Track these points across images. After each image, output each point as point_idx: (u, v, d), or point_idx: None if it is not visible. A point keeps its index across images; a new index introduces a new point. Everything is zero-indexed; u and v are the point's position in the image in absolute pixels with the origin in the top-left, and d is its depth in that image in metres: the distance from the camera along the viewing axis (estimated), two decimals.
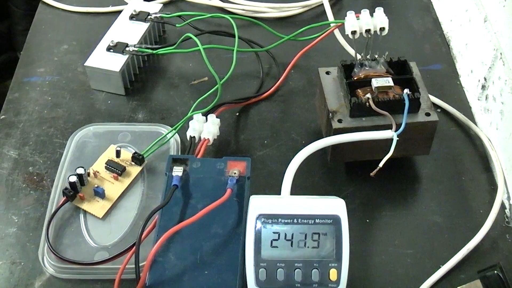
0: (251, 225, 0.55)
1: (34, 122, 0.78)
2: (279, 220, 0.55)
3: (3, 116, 0.79)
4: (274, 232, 0.55)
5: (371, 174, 0.63)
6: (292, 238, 0.55)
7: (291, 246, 0.55)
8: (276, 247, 0.55)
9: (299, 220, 0.55)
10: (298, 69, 0.85)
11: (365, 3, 0.95)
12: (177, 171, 0.62)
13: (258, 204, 0.56)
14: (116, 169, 0.69)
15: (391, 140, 0.64)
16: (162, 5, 0.90)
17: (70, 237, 0.65)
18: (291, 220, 0.55)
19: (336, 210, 0.55)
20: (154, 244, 0.57)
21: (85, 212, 0.67)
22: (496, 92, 0.73)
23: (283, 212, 0.55)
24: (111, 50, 0.81)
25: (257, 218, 0.55)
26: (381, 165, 0.63)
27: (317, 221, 0.55)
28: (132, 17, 0.86)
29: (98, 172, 0.69)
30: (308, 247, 0.55)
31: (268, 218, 0.55)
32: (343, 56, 0.75)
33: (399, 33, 0.90)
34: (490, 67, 0.75)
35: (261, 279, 0.54)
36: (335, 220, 0.55)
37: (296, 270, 0.55)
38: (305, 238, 0.55)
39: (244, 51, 0.86)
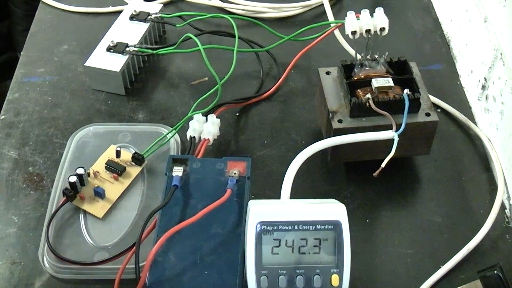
0: (252, 232, 0.54)
1: (34, 122, 0.78)
2: (280, 226, 0.55)
3: (3, 116, 0.79)
4: (274, 239, 0.54)
5: (374, 174, 0.63)
6: (293, 244, 0.55)
7: (292, 252, 0.55)
8: (277, 253, 0.55)
9: (300, 226, 0.55)
10: (298, 69, 0.85)
11: (365, 3, 0.95)
12: (177, 171, 0.62)
13: (258, 211, 0.55)
14: (116, 169, 0.69)
15: (391, 140, 0.64)
16: (162, 5, 0.90)
17: (70, 237, 0.65)
18: (292, 226, 0.55)
19: (337, 215, 0.55)
20: (154, 244, 0.56)
21: (85, 212, 0.67)
22: (496, 92, 0.73)
23: (283, 218, 0.55)
24: (111, 50, 0.81)
25: (257, 225, 0.54)
26: (383, 165, 0.63)
27: (318, 226, 0.55)
28: (132, 17, 0.86)
29: (98, 172, 0.69)
30: (309, 253, 0.55)
31: (269, 225, 0.54)
32: (343, 56, 0.75)
33: (399, 33, 0.90)
34: (490, 67, 0.75)
35: (262, 286, 0.54)
36: (336, 225, 0.55)
37: (298, 277, 0.54)
38: (306, 244, 0.55)
39: (244, 51, 0.86)
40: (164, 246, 0.57)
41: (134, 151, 0.71)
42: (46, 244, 0.63)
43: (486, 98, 0.76)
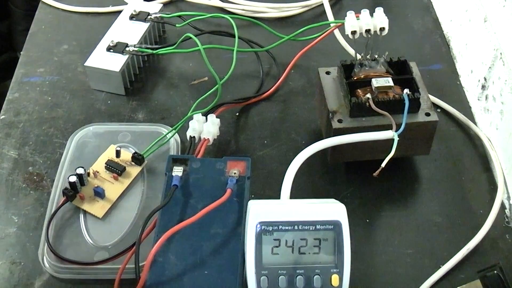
0: (251, 232, 0.54)
1: (34, 122, 0.78)
2: (280, 227, 0.54)
3: (3, 116, 0.79)
4: (274, 239, 0.54)
5: (374, 174, 0.63)
6: (293, 244, 0.55)
7: (292, 252, 0.55)
8: (277, 254, 0.55)
9: (300, 226, 0.55)
10: (298, 69, 0.85)
11: (365, 3, 0.95)
12: (177, 171, 0.62)
13: (258, 211, 0.55)
14: (116, 169, 0.69)
15: (391, 140, 0.64)
16: (162, 5, 0.90)
17: (70, 237, 0.65)
18: (292, 226, 0.55)
19: (337, 215, 0.55)
20: (154, 244, 0.56)
21: (85, 212, 0.67)
22: (496, 92, 0.73)
23: (283, 218, 0.55)
24: (111, 50, 0.81)
25: (257, 226, 0.54)
26: (383, 165, 0.63)
27: (318, 226, 0.55)
28: (132, 17, 0.86)
29: (98, 172, 0.69)
30: (309, 253, 0.55)
31: (269, 226, 0.54)
32: (343, 56, 0.75)
33: (399, 33, 0.90)
34: (490, 67, 0.75)
35: (263, 286, 0.54)
36: (336, 225, 0.55)
37: (298, 277, 0.54)
38: (306, 244, 0.55)
39: (244, 51, 0.86)
40: (164, 246, 0.57)
41: (134, 151, 0.71)
42: (46, 244, 0.63)
43: (486, 98, 0.76)
